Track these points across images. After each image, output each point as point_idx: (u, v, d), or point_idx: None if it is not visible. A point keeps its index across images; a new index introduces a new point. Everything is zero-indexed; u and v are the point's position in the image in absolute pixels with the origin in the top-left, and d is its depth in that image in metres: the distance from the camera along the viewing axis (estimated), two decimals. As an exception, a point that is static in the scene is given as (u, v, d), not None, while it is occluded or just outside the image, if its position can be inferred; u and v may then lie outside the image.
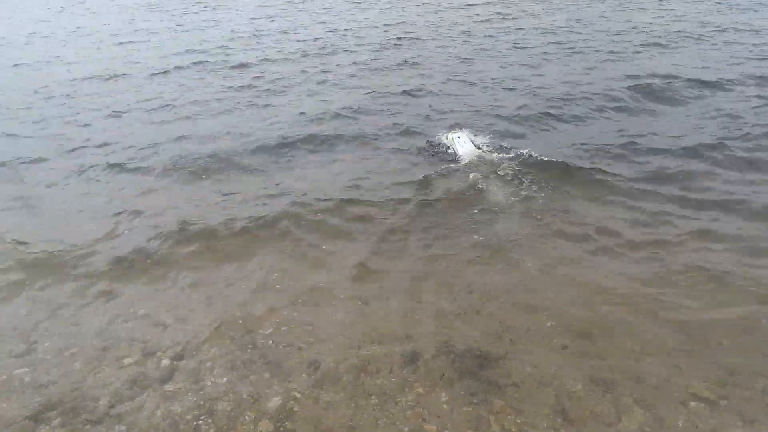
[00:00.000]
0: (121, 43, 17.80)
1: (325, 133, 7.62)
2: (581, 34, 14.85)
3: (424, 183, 6.01)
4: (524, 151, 6.59)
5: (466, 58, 12.47)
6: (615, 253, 4.62)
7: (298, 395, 3.31)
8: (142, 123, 8.91)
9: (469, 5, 22.87)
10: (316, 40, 16.09)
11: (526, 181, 5.82)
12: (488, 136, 7.25)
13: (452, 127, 7.61)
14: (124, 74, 12.71)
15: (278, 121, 8.50)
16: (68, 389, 3.46)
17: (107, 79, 12.34)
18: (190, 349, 3.75)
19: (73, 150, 7.76)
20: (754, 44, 11.87)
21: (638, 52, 12.17)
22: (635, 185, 5.72)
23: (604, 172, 6.02)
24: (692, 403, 3.15)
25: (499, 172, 6.09)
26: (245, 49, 15.23)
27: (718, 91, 8.88)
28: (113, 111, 9.66)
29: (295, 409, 3.22)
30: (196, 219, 5.46)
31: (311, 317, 4.01)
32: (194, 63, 13.49)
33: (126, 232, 5.30)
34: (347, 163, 6.72)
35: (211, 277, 4.56)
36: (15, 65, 14.91)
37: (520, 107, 8.57)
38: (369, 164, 6.66)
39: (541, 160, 6.39)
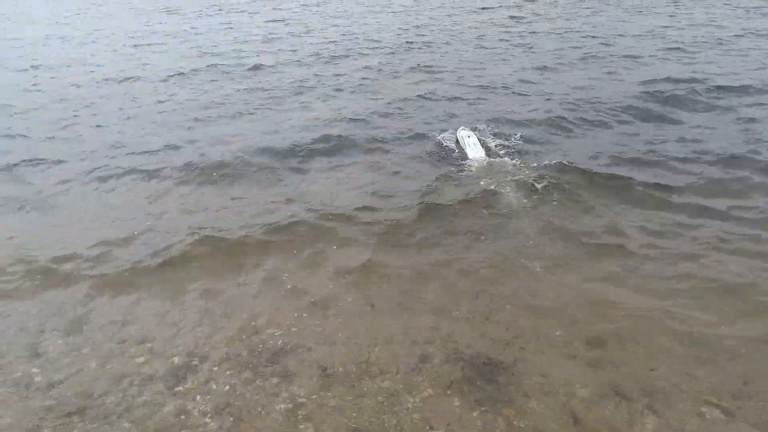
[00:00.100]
0: (136, 46, 17.97)
1: (337, 138, 7.62)
2: (596, 38, 14.74)
3: (435, 188, 6.00)
4: (537, 156, 6.56)
5: (479, 63, 12.43)
6: (628, 262, 4.57)
7: (305, 399, 3.31)
8: (155, 126, 8.95)
9: (482, 9, 22.82)
10: (329, 43, 16.13)
11: (539, 187, 5.78)
12: (500, 141, 7.21)
13: (463, 124, 7.59)
14: (138, 77, 12.82)
15: (291, 125, 8.52)
16: (80, 388, 3.49)
17: (122, 82, 12.45)
18: (200, 350, 3.77)
19: (86, 152, 7.79)
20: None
21: (655, 57, 12.06)
22: (650, 192, 5.66)
23: (619, 178, 5.96)
24: (706, 412, 3.11)
25: (511, 178, 6.06)
26: (258, 53, 15.30)
27: (736, 97, 8.77)
28: (127, 114, 9.73)
29: (302, 412, 3.22)
30: (208, 223, 5.48)
31: (320, 321, 4.01)
32: (208, 66, 13.57)
33: (138, 235, 5.31)
34: (358, 168, 6.72)
35: (221, 281, 4.57)
36: (32, 66, 15.09)
37: (534, 112, 8.53)
38: (380, 169, 6.65)
39: (554, 165, 6.35)
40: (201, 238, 5.15)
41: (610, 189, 5.74)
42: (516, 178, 6.06)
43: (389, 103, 9.51)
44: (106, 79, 12.73)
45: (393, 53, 14.11)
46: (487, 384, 3.36)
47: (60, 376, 3.59)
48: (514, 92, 9.87)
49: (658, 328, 3.76)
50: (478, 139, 7.13)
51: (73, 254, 5.01)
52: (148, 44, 18.16)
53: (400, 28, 18.61)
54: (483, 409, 3.19)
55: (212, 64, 13.72)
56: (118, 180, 6.71)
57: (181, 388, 3.46)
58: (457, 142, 7.26)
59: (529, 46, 14.09)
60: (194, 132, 8.47)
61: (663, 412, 3.11)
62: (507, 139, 7.28)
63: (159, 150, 7.70)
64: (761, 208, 5.28)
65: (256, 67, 13.04)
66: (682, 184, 5.81)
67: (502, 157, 6.72)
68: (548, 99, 9.25)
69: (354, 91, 10.51)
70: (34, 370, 3.67)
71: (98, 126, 9.10)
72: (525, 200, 5.59)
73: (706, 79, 9.79)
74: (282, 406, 3.27)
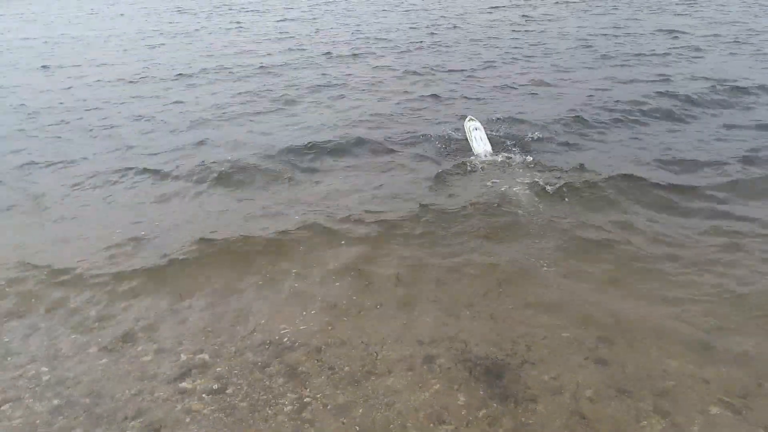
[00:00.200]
0: (147, 46, 18.10)
1: (346, 139, 7.59)
2: (609, 37, 14.61)
3: (444, 188, 5.97)
4: (549, 156, 6.50)
5: (491, 62, 12.37)
6: (639, 264, 4.51)
7: (310, 398, 3.31)
8: (164, 127, 8.97)
9: (494, 7, 22.72)
10: (339, 43, 16.15)
11: (550, 187, 5.72)
12: (512, 140, 7.14)
13: (470, 116, 7.57)
14: (148, 77, 12.91)
15: (300, 127, 8.50)
16: (88, 387, 3.50)
17: (132, 82, 12.54)
18: (207, 349, 3.78)
19: (94, 153, 7.82)
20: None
21: (669, 56, 11.92)
22: (664, 194, 5.58)
23: (632, 179, 5.88)
24: (714, 413, 3.07)
25: (522, 178, 6.02)
26: (268, 53, 15.35)
27: (754, 97, 8.62)
28: (136, 115, 9.77)
29: (308, 411, 3.22)
30: (215, 224, 5.47)
31: (327, 320, 4.00)
32: (217, 66, 13.63)
33: (146, 236, 5.31)
34: (367, 169, 6.68)
35: (228, 281, 4.57)
36: (43, 66, 15.21)
37: (546, 112, 8.46)
38: (389, 170, 6.62)
39: (567, 166, 6.31)
40: (208, 239, 5.14)
41: (624, 190, 5.66)
42: (527, 177, 6.02)
43: (399, 103, 9.49)
44: (117, 80, 12.83)
45: (404, 53, 14.09)
46: (493, 383, 3.34)
47: (69, 375, 3.61)
48: (526, 92, 9.81)
49: (667, 329, 3.72)
50: (483, 131, 7.10)
51: (81, 255, 5.02)
52: (159, 44, 18.29)
53: (410, 27, 18.59)
54: (489, 408, 3.17)
55: (222, 65, 13.78)
56: (125, 181, 6.71)
57: (187, 386, 3.46)
58: (465, 130, 7.27)
59: (542, 45, 14.01)
60: (202, 133, 8.47)
61: (670, 412, 3.08)
62: (519, 139, 7.22)
63: (167, 151, 7.72)
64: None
65: (266, 68, 13.08)
66: (697, 187, 5.71)
67: (511, 155, 6.65)
68: (561, 99, 9.18)
69: (364, 91, 10.49)
70: (44, 369, 3.69)
71: (106, 127, 9.14)
72: (536, 199, 5.55)
73: (723, 78, 9.65)
74: (289, 407, 3.25)
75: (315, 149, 7.28)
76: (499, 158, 6.64)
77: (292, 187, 6.34)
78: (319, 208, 5.69)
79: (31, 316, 4.24)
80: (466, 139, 7.13)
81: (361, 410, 3.20)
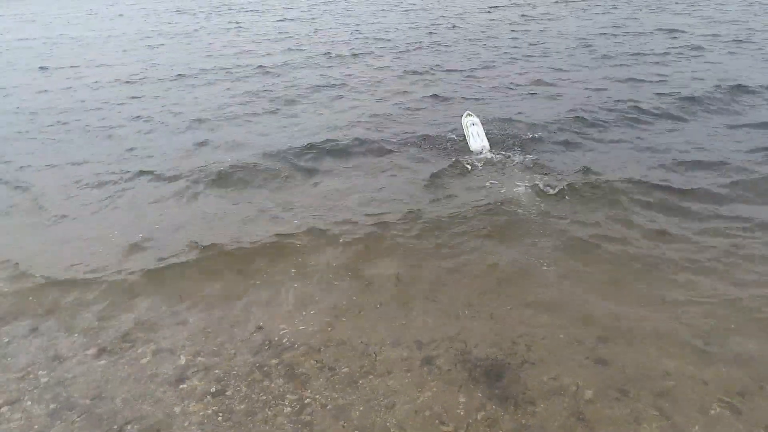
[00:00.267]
0: (146, 47, 18.10)
1: (346, 141, 7.56)
2: (608, 36, 14.60)
3: (443, 190, 5.96)
4: (549, 157, 6.50)
5: (491, 62, 12.36)
6: (638, 265, 4.50)
7: (310, 399, 3.31)
8: (163, 128, 8.93)
9: (493, 7, 22.72)
10: (338, 43, 16.15)
11: (550, 187, 5.72)
12: (510, 141, 7.13)
13: (468, 111, 7.59)
14: (147, 78, 12.90)
15: (300, 127, 8.48)
16: (87, 389, 3.50)
17: (130, 83, 12.51)
18: (206, 351, 3.77)
19: (93, 155, 7.77)
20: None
21: (669, 55, 11.91)
22: (664, 196, 5.55)
23: (633, 181, 5.87)
24: (714, 413, 3.07)
25: (521, 178, 6.03)
26: (268, 53, 15.34)
27: (755, 96, 8.57)
28: (135, 116, 9.73)
29: (308, 411, 3.22)
30: (213, 226, 5.46)
31: (327, 321, 4.00)
32: (216, 67, 13.62)
33: (144, 239, 5.27)
34: (367, 171, 6.65)
35: (227, 283, 4.56)
36: (41, 67, 15.19)
37: (546, 113, 8.44)
38: (389, 172, 6.58)
39: (564, 166, 6.31)
40: (207, 241, 5.13)
41: (623, 191, 5.64)
42: (526, 177, 6.02)
43: (398, 103, 9.48)
44: (116, 80, 12.81)
45: (403, 53, 14.08)
46: (493, 383, 3.34)
47: (67, 377, 3.61)
48: (525, 92, 9.79)
49: (666, 329, 3.72)
50: (481, 126, 7.12)
51: (79, 257, 5.01)
52: (158, 45, 18.28)
53: (410, 27, 18.58)
54: (489, 409, 3.17)
55: (221, 65, 13.78)
56: (124, 182, 6.68)
57: (186, 387, 3.45)
58: (462, 126, 7.31)
59: (541, 45, 14.01)
60: (202, 134, 8.45)
61: (670, 412, 3.08)
62: (518, 139, 7.21)
63: (166, 153, 7.69)
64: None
65: (266, 68, 13.07)
66: (697, 188, 5.68)
67: (510, 155, 6.65)
68: (560, 99, 9.17)
69: (363, 92, 10.48)
70: (42, 371, 3.68)
71: (105, 128, 9.10)
72: (536, 199, 5.55)
73: (723, 78, 9.64)
74: (288, 408, 3.25)
75: (314, 150, 7.26)
76: (498, 157, 6.64)
77: (291, 188, 6.33)
78: (318, 209, 5.68)
79: (30, 317, 4.23)
80: (465, 137, 7.12)
81: (360, 412, 3.20)
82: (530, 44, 14.21)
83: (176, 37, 19.95)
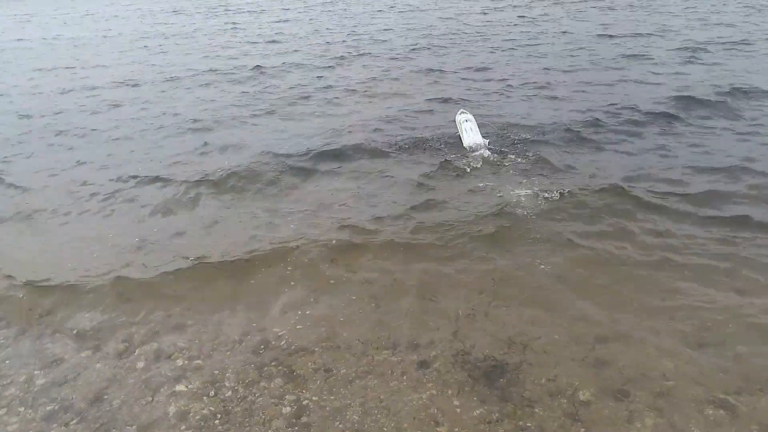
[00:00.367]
0: (142, 48, 18.06)
1: (342, 144, 7.51)
2: (604, 38, 14.59)
3: (441, 193, 5.95)
4: (544, 160, 6.53)
5: (488, 65, 12.34)
6: (635, 267, 4.51)
7: (308, 401, 3.31)
8: (159, 132, 8.82)
9: (491, 8, 22.74)
10: (335, 45, 16.13)
11: (546, 191, 5.73)
12: (508, 144, 7.13)
13: (462, 110, 7.62)
14: (143, 80, 12.85)
15: (296, 131, 8.40)
16: (83, 391, 3.49)
17: (126, 85, 12.47)
18: (204, 352, 3.77)
19: (87, 160, 7.68)
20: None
21: (668, 58, 11.89)
22: (660, 198, 5.54)
23: (627, 182, 5.88)
24: (710, 413, 3.09)
25: (516, 181, 6.04)
26: (264, 55, 15.33)
27: (752, 100, 8.53)
28: (130, 119, 9.63)
29: (306, 414, 3.22)
30: (212, 233, 5.42)
31: (324, 321, 4.00)
32: (213, 69, 13.59)
33: (142, 246, 5.23)
34: (364, 175, 6.59)
35: (224, 285, 4.55)
36: (37, 69, 15.12)
37: (542, 115, 8.43)
38: (386, 175, 6.53)
39: (562, 169, 6.32)
40: (204, 245, 5.13)
41: (620, 192, 5.63)
42: (523, 180, 6.03)
43: (396, 106, 9.44)
44: (111, 82, 12.76)
45: (400, 55, 14.06)
46: (490, 384, 3.35)
47: (63, 379, 3.60)
48: (523, 95, 9.75)
49: (664, 331, 3.73)
50: (474, 122, 7.18)
51: (75, 263, 4.98)
52: (154, 46, 18.25)
53: (407, 29, 18.57)
54: (486, 409, 3.17)
55: (217, 67, 13.75)
56: (119, 188, 6.59)
57: (184, 389, 3.45)
58: (456, 123, 7.39)
59: (538, 47, 13.99)
60: (198, 138, 8.38)
61: (667, 412, 3.10)
62: (515, 142, 7.20)
63: (162, 158, 7.60)
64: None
65: (262, 71, 13.02)
66: (697, 193, 5.63)
67: (506, 156, 6.67)
68: (558, 101, 9.15)
69: (360, 95, 10.44)
70: (36, 372, 3.67)
71: (100, 132, 9.02)
72: (533, 202, 5.54)
73: (723, 80, 9.58)
74: (286, 409, 3.25)
75: (311, 154, 7.22)
76: (495, 157, 6.65)
77: (288, 192, 6.28)
78: (314, 213, 5.68)
79: (27, 321, 4.21)
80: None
81: (358, 413, 3.20)
82: (528, 46, 14.21)
83: (172, 38, 19.92)
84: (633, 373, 3.37)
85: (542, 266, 4.51)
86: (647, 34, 14.74)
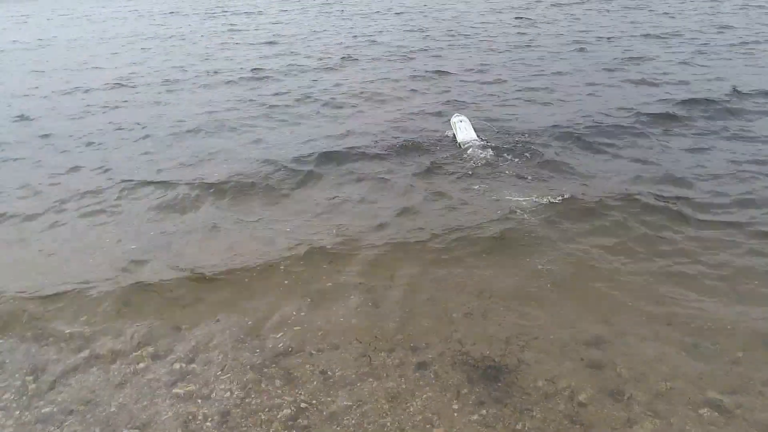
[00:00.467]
0: (139, 49, 18.03)
1: (339, 150, 7.45)
2: (605, 40, 14.60)
3: (438, 196, 5.94)
4: (542, 162, 6.55)
5: (486, 67, 12.34)
6: (633, 264, 4.54)
7: (306, 404, 3.31)
8: (155, 137, 8.69)
9: (487, 11, 22.77)
10: (333, 47, 16.12)
11: (543, 194, 5.74)
12: (505, 146, 7.11)
13: (457, 113, 7.71)
14: (139, 82, 12.80)
15: (293, 136, 8.33)
16: (80, 394, 3.48)
17: (123, 87, 12.41)
18: (202, 354, 3.77)
19: (82, 166, 7.54)
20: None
21: (666, 59, 11.90)
22: (658, 200, 5.53)
23: (625, 186, 5.89)
24: (705, 412, 3.10)
25: (514, 185, 6.06)
26: (262, 57, 15.30)
27: (754, 103, 8.52)
28: (126, 123, 9.50)
29: (304, 416, 3.21)
30: (209, 239, 5.38)
31: (322, 323, 4.00)
32: (210, 71, 13.56)
33: (137, 253, 5.17)
34: (362, 181, 6.53)
35: (222, 287, 4.56)
36: (33, 70, 15.06)
37: (541, 118, 8.39)
38: (384, 179, 6.49)
39: (560, 172, 6.32)
40: (201, 251, 5.12)
41: (622, 199, 5.59)
42: (522, 184, 6.04)
43: (394, 110, 9.42)
44: (107, 84, 12.68)
45: (398, 57, 14.05)
46: (488, 386, 3.35)
47: (60, 381, 3.59)
48: (522, 97, 9.72)
49: (661, 331, 3.74)
50: (468, 122, 7.34)
51: (68, 272, 4.92)
52: (151, 47, 18.23)
53: (405, 31, 18.58)
54: (484, 411, 3.17)
55: (215, 69, 13.72)
56: (116, 194, 6.48)
57: (182, 392, 3.44)
58: (451, 125, 7.58)
59: (536, 49, 13.98)
60: (194, 143, 8.29)
61: (664, 413, 3.10)
62: (516, 144, 7.17)
63: (158, 163, 7.47)
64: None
65: (259, 73, 12.97)
66: (697, 199, 5.59)
67: (503, 157, 6.69)
68: (556, 105, 9.12)
69: (358, 98, 10.38)
70: (29, 377, 3.65)
71: (96, 135, 8.90)
72: (530, 204, 5.55)
73: (725, 84, 9.53)
74: (284, 411, 3.25)
75: (308, 158, 7.17)
76: (491, 158, 6.67)
77: (286, 197, 6.23)
78: (312, 216, 5.67)
79: (24, 325, 4.20)
80: (460, 145, 7.15)
81: (356, 416, 3.19)
82: (526, 48, 14.22)
83: (170, 40, 19.90)
84: (631, 375, 3.37)
85: (540, 268, 4.52)
86: (646, 35, 14.77)
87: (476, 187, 6.05)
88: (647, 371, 3.40)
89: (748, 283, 4.23)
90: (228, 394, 3.40)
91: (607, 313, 3.94)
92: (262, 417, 3.21)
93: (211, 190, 6.38)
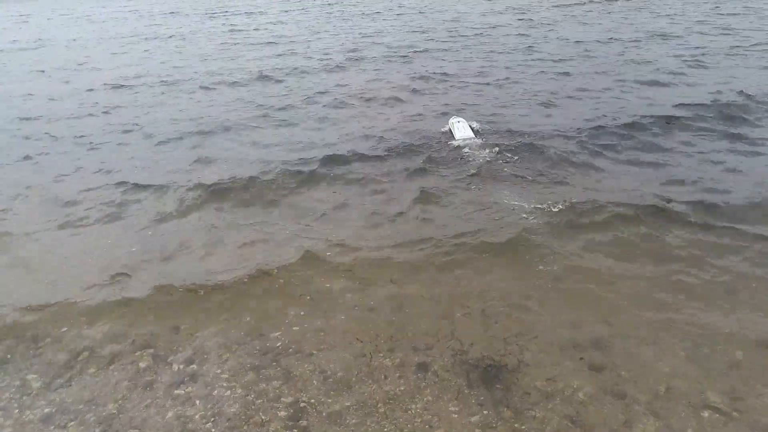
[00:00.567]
0: (139, 50, 18.00)
1: (339, 153, 7.40)
2: (605, 42, 14.58)
3: (438, 197, 5.96)
4: (540, 164, 6.56)
5: (487, 70, 12.32)
6: (632, 265, 4.55)
7: (305, 404, 3.31)
8: (153, 140, 8.63)
9: (488, 12, 22.76)
10: (334, 49, 16.08)
11: (543, 197, 5.76)
12: (508, 151, 7.08)
13: (454, 113, 7.91)
14: (138, 84, 12.77)
15: (293, 139, 8.30)
16: (80, 394, 3.49)
17: (122, 88, 12.38)
18: (202, 354, 3.78)
19: (81, 168, 7.51)
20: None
21: (667, 62, 11.87)
22: (662, 210, 5.46)
23: (627, 189, 5.89)
24: (705, 414, 3.11)
25: (513, 186, 6.06)
26: (262, 58, 15.28)
27: (759, 107, 8.49)
28: (125, 125, 9.46)
29: (304, 417, 3.22)
30: (206, 245, 5.33)
31: (321, 324, 4.01)
32: (210, 72, 13.54)
33: (135, 259, 5.14)
34: (362, 182, 6.54)
35: (222, 287, 4.56)
36: (33, 71, 15.03)
37: (541, 121, 8.40)
38: (385, 182, 6.50)
39: (559, 176, 6.32)
40: (199, 256, 5.11)
41: (622, 204, 5.54)
42: (522, 187, 6.04)
43: (394, 112, 9.43)
44: (106, 85, 12.66)
45: (399, 59, 14.02)
46: (489, 386, 3.35)
47: (59, 382, 3.60)
48: (522, 101, 9.69)
49: (660, 331, 3.75)
50: (466, 122, 7.56)
51: (71, 273, 4.94)
52: (151, 48, 18.22)
53: (406, 32, 18.57)
54: (485, 412, 3.17)
55: (214, 70, 13.70)
56: (113, 197, 6.46)
57: (182, 392, 3.45)
58: (449, 125, 7.81)
59: (538, 52, 13.95)
60: (193, 145, 8.26)
61: (663, 414, 3.11)
62: (515, 150, 7.11)
63: (157, 167, 7.44)
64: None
65: (259, 76, 12.91)
66: (701, 205, 5.53)
67: (504, 161, 6.67)
68: (557, 108, 9.10)
69: (358, 100, 10.39)
70: (32, 376, 3.66)
71: (92, 136, 8.89)
72: (529, 205, 5.56)
73: (726, 87, 9.49)
74: (283, 412, 3.25)
75: (308, 162, 7.16)
76: (490, 161, 6.68)
77: (286, 201, 6.21)
78: (312, 219, 5.68)
79: (24, 326, 4.21)
80: (459, 147, 7.18)
81: (356, 417, 3.19)
82: (528, 50, 14.20)
83: (169, 41, 19.89)
84: (631, 376, 3.38)
85: (540, 269, 4.52)
86: (647, 38, 14.75)
87: (476, 190, 6.06)
88: (647, 372, 3.41)
89: (748, 287, 4.24)
90: (228, 393, 3.40)
91: (607, 315, 3.95)
92: (262, 417, 3.21)
93: (211, 192, 6.37)
